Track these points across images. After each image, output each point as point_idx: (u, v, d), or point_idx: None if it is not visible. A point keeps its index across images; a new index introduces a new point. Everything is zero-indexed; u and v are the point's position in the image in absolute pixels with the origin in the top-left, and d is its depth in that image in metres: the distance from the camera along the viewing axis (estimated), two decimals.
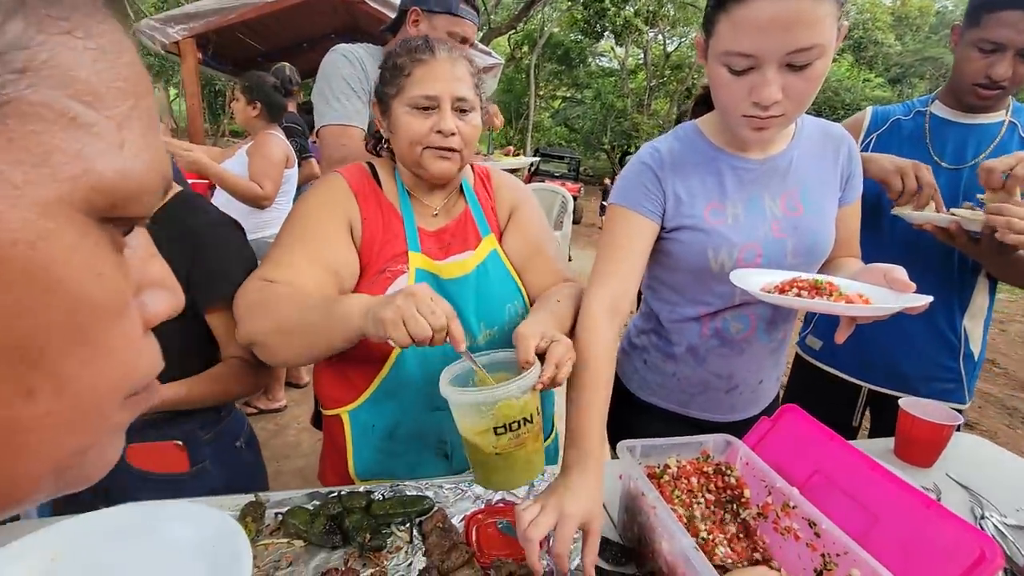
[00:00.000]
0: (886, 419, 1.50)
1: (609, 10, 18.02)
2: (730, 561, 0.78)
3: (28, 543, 0.62)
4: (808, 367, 1.65)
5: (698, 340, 1.13)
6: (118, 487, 1.02)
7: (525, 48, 22.61)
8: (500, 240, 1.13)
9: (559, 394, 0.97)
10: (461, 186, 1.12)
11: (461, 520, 0.91)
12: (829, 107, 17.76)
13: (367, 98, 1.51)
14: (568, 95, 28.31)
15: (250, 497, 0.91)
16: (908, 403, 1.17)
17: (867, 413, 1.61)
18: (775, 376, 1.22)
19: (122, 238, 0.25)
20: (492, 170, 1.20)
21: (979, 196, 1.21)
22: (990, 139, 1.36)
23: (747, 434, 0.98)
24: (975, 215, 1.17)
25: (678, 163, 1.05)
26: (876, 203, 1.41)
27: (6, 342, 0.20)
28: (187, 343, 1.05)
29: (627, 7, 18.49)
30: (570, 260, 6.73)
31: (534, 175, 13.54)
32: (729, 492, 0.90)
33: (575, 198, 9.56)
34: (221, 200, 2.46)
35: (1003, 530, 0.96)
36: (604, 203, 11.69)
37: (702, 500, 0.88)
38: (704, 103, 1.21)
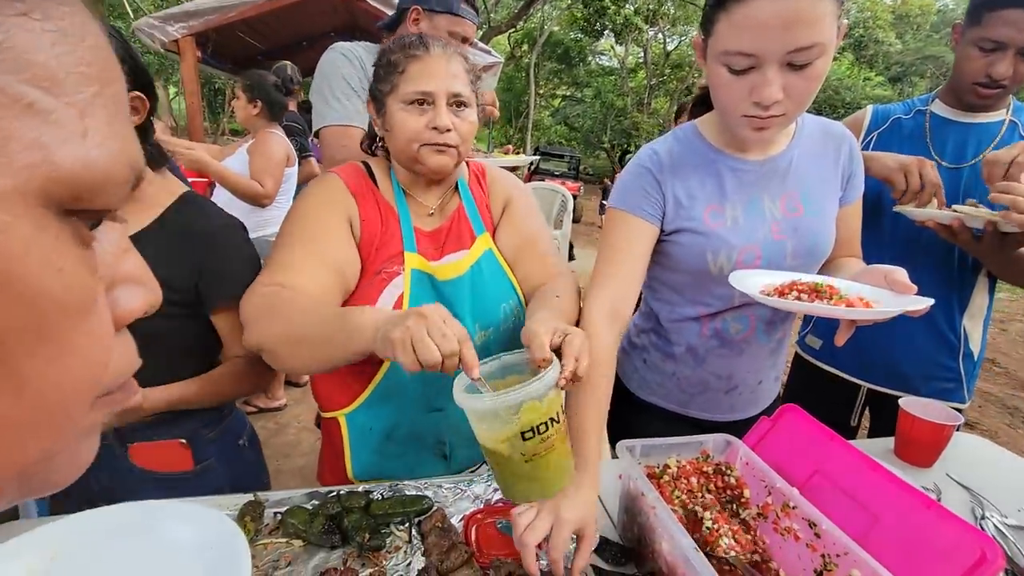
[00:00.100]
0: (885, 418, 1.50)
1: (609, 8, 18.00)
2: (733, 554, 0.77)
3: (27, 541, 0.62)
4: (808, 366, 1.65)
5: (697, 340, 1.13)
6: (121, 487, 1.02)
7: (525, 47, 22.58)
8: (494, 235, 1.11)
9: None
10: (456, 184, 1.11)
11: (460, 520, 0.90)
12: (829, 106, 17.75)
13: (367, 97, 1.51)
14: (568, 94, 28.29)
15: (249, 497, 0.91)
16: (908, 403, 1.17)
17: (866, 412, 1.61)
18: (774, 376, 1.22)
19: (88, 231, 0.23)
20: (487, 166, 1.19)
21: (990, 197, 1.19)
22: (990, 138, 1.36)
23: (747, 434, 0.98)
24: (978, 212, 1.17)
25: (677, 165, 1.05)
26: (876, 201, 1.41)
27: None
28: (193, 343, 1.06)
29: (627, 5, 18.47)
30: (573, 259, 6.73)
31: (534, 174, 13.55)
32: (729, 492, 0.90)
33: (575, 197, 9.55)
34: (222, 199, 2.46)
35: (1004, 530, 0.95)
36: (604, 202, 11.69)
37: (702, 500, 0.88)
38: (702, 104, 1.20)
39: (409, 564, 0.82)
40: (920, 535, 0.72)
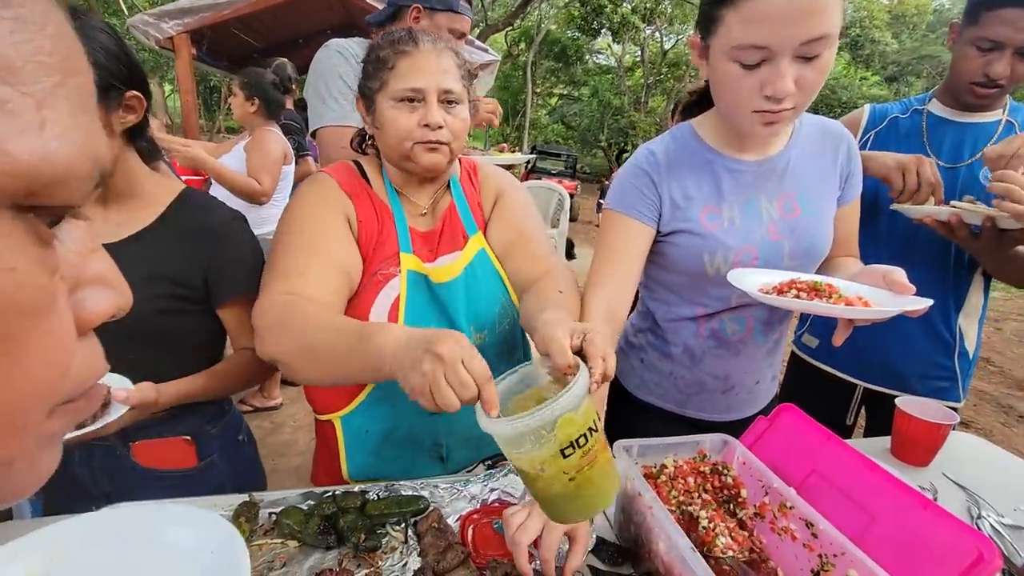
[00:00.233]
0: (881, 417, 1.50)
1: (606, 7, 18.00)
2: (731, 553, 0.77)
3: (27, 543, 0.62)
4: (804, 365, 1.65)
5: (694, 340, 1.13)
6: (122, 486, 1.02)
7: (522, 45, 22.57)
8: (486, 231, 1.09)
9: None
10: (449, 182, 1.09)
11: (457, 520, 0.90)
12: (826, 105, 17.81)
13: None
14: (565, 92, 28.30)
15: (244, 497, 0.90)
16: (904, 402, 1.17)
17: (862, 411, 1.61)
18: (771, 376, 1.22)
19: (47, 229, 0.22)
20: (479, 163, 1.17)
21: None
22: (987, 138, 1.36)
23: (744, 434, 0.98)
24: (976, 208, 1.16)
25: (674, 166, 1.05)
26: (873, 200, 1.41)
27: None
28: (203, 338, 1.07)
29: (624, 4, 18.48)
30: (573, 258, 6.73)
31: (531, 172, 13.55)
32: (726, 492, 0.90)
33: (572, 196, 9.56)
34: (219, 196, 2.45)
35: (1000, 530, 0.96)
36: (601, 201, 11.70)
37: (699, 500, 0.88)
38: (693, 108, 1.18)
39: (405, 565, 0.81)
40: (917, 535, 0.72)
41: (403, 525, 0.88)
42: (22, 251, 0.21)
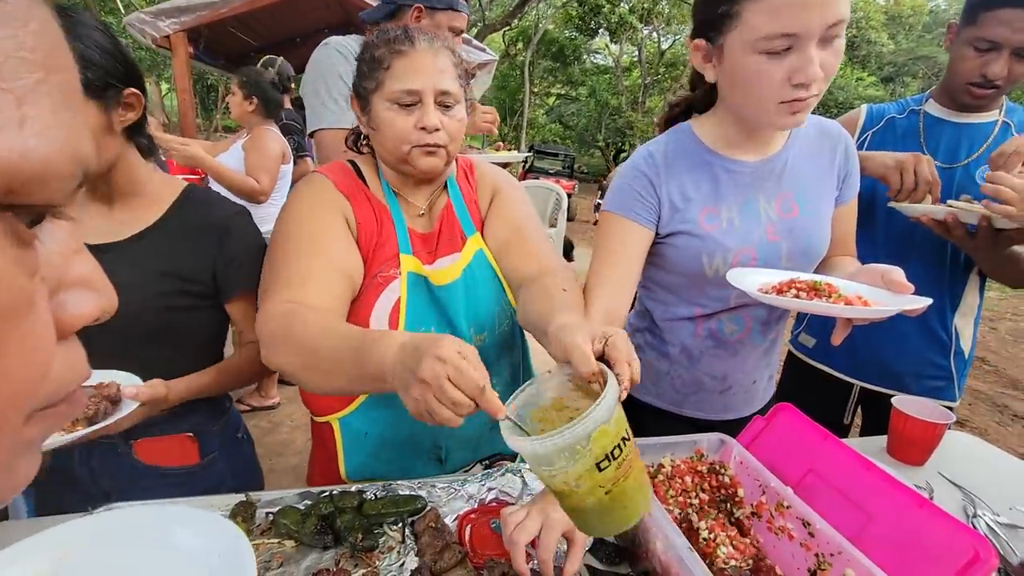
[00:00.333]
0: (877, 416, 1.50)
1: (604, 7, 18.02)
2: (733, 562, 0.76)
3: (34, 544, 0.62)
4: (801, 365, 1.65)
5: (692, 340, 1.13)
6: (123, 484, 1.02)
7: (520, 45, 22.55)
8: (483, 230, 1.08)
9: None
10: (445, 182, 1.08)
11: (454, 520, 0.90)
12: (822, 105, 17.73)
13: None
14: (562, 92, 28.30)
15: (240, 497, 0.90)
16: (901, 401, 1.17)
17: (859, 410, 1.62)
18: (768, 375, 1.22)
19: (27, 229, 0.21)
20: (476, 161, 1.16)
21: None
22: (983, 138, 1.36)
23: (741, 433, 0.98)
24: (972, 207, 1.17)
25: (673, 167, 1.04)
26: (870, 199, 1.41)
27: None
28: (212, 333, 1.08)
29: (622, 4, 18.49)
30: (572, 260, 6.73)
31: (528, 172, 13.55)
32: (723, 491, 0.90)
33: (569, 195, 9.56)
34: None
35: (995, 528, 0.96)
36: (599, 201, 11.70)
37: (696, 500, 0.88)
38: (680, 119, 1.16)
39: (402, 564, 0.81)
40: (913, 534, 0.72)
41: (400, 525, 0.88)
42: None
